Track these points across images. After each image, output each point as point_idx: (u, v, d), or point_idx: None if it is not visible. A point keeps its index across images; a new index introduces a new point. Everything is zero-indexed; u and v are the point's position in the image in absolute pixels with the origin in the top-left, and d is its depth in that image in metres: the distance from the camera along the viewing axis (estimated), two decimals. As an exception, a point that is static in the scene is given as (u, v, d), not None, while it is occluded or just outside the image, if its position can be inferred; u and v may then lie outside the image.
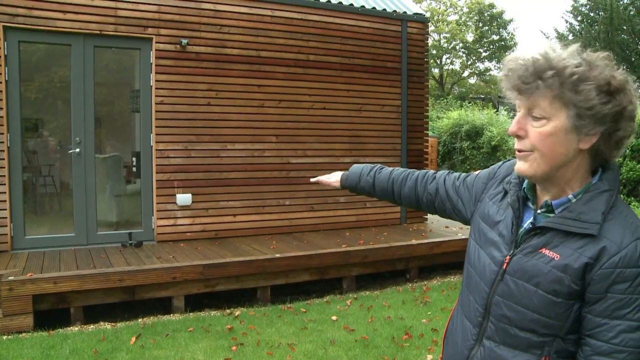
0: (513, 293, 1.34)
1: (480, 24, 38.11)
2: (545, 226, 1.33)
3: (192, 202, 7.14)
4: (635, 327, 1.22)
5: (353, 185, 1.97)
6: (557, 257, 1.29)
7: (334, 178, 2.03)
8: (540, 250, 1.32)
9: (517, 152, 1.34)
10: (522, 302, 1.32)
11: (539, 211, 1.38)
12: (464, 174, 1.75)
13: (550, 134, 1.27)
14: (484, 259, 1.46)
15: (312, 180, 2.15)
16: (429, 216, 9.19)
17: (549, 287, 1.28)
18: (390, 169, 1.94)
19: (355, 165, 2.01)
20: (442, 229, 8.14)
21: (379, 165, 1.98)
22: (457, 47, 38.44)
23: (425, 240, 7.13)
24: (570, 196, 1.32)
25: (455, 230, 7.89)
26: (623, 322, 1.23)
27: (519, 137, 1.32)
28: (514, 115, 1.34)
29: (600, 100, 1.22)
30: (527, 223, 1.40)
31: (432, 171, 1.84)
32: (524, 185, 1.43)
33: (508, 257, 1.38)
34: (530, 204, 1.42)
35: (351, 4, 8.07)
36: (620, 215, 1.28)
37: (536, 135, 1.28)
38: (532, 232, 1.35)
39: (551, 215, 1.35)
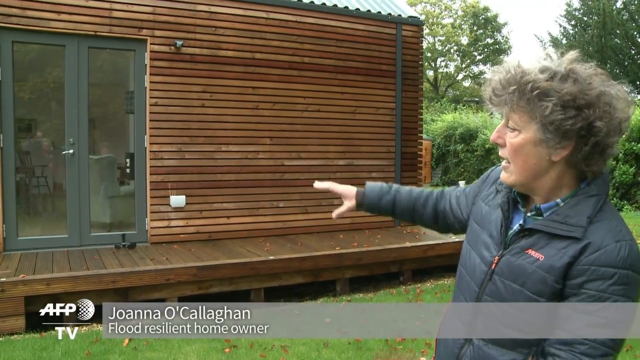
0: (501, 293, 1.37)
1: (475, 27, 38.26)
2: (532, 228, 1.36)
3: (186, 203, 7.12)
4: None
5: (373, 204, 1.86)
6: (541, 257, 1.31)
7: (347, 196, 1.89)
8: (526, 251, 1.34)
9: (503, 162, 1.41)
10: (510, 302, 1.35)
11: (528, 214, 1.41)
12: (467, 187, 1.77)
13: (520, 145, 1.31)
14: (474, 259, 1.49)
15: (318, 186, 2.00)
16: (423, 219, 9.19)
17: (534, 287, 1.31)
18: (408, 188, 1.88)
19: (369, 183, 1.90)
20: (435, 232, 8.13)
21: (395, 184, 1.90)
22: (452, 50, 38.57)
23: (419, 243, 7.15)
24: (558, 200, 1.35)
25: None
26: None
27: (499, 145, 1.38)
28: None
29: (563, 115, 1.24)
30: (516, 225, 1.43)
31: (447, 189, 1.84)
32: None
33: (497, 258, 1.40)
34: (520, 207, 1.45)
35: (346, 7, 8.09)
36: (606, 219, 1.30)
37: (509, 146, 1.34)
38: (520, 233, 1.38)
39: (540, 218, 1.37)
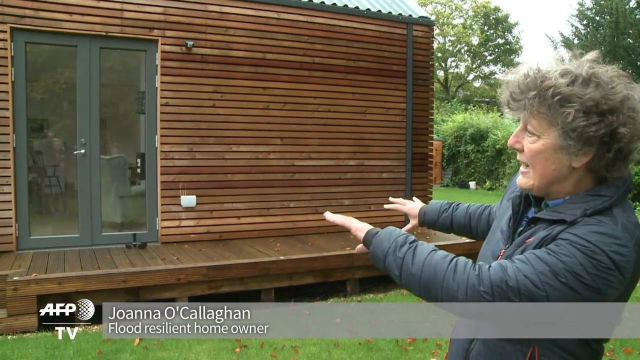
0: None
1: (486, 27, 38.09)
2: (534, 217, 1.37)
3: (197, 203, 7.14)
4: (531, 258, 1.23)
5: (432, 221, 2.01)
6: (531, 239, 1.32)
7: (412, 215, 2.07)
8: (527, 240, 1.34)
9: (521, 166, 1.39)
10: None
11: (539, 213, 1.41)
12: None
13: (540, 151, 1.29)
14: (486, 253, 1.51)
15: (386, 207, 2.14)
16: (433, 219, 9.16)
17: None
18: (466, 204, 1.94)
19: (432, 201, 2.00)
20: (446, 233, 8.11)
21: (455, 202, 1.98)
22: (462, 50, 38.42)
23: (430, 244, 7.11)
24: (567, 197, 1.33)
25: (460, 234, 7.86)
26: (533, 250, 1.26)
27: (517, 150, 1.36)
28: (519, 119, 1.36)
29: (586, 121, 1.20)
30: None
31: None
32: None
33: (503, 250, 1.41)
34: (532, 205, 1.45)
35: (357, 7, 8.08)
36: (607, 217, 1.25)
37: (528, 151, 1.31)
38: (527, 226, 1.39)
39: None
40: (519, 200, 1.46)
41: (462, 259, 1.31)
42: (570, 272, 1.18)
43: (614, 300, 1.25)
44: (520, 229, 1.42)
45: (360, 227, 1.51)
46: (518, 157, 1.37)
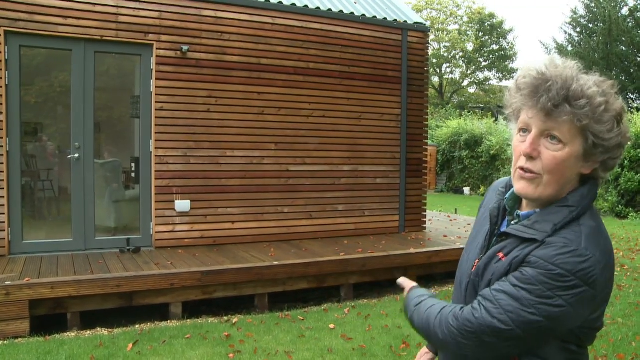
0: (475, 295, 1.40)
1: (481, 34, 38.23)
2: (505, 232, 1.38)
3: (191, 208, 7.13)
4: (512, 289, 1.25)
5: None
6: (504, 258, 1.33)
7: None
8: (497, 254, 1.36)
9: (521, 172, 1.32)
10: None
11: (512, 222, 1.42)
12: None
13: (565, 159, 1.27)
14: (465, 262, 1.52)
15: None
16: (428, 225, 9.19)
17: None
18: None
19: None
20: (440, 238, 8.13)
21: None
22: (457, 56, 38.53)
23: (424, 249, 7.13)
24: (537, 209, 1.35)
25: (454, 240, 7.88)
26: (499, 283, 1.29)
27: (532, 157, 1.29)
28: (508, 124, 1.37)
29: (612, 130, 1.25)
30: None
31: None
32: (507, 195, 1.46)
33: (477, 261, 1.43)
34: (507, 214, 1.47)
35: (352, 13, 8.10)
36: (574, 231, 1.27)
37: (550, 159, 1.27)
38: (499, 238, 1.41)
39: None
40: (497, 212, 1.47)
41: (446, 310, 1.38)
42: (540, 302, 1.22)
43: (592, 309, 1.28)
44: (494, 239, 1.44)
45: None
46: (528, 165, 1.30)
